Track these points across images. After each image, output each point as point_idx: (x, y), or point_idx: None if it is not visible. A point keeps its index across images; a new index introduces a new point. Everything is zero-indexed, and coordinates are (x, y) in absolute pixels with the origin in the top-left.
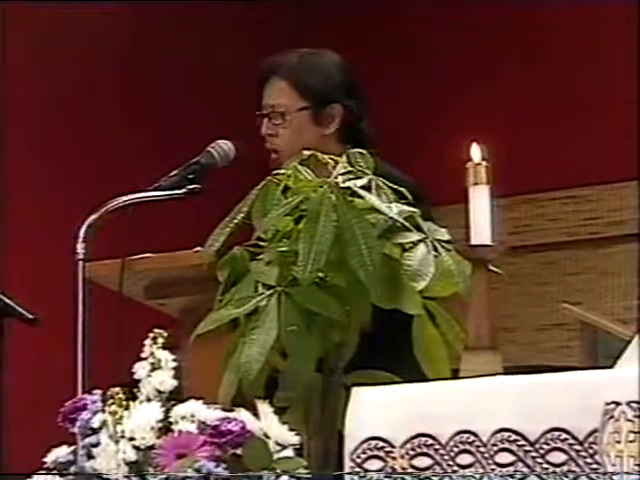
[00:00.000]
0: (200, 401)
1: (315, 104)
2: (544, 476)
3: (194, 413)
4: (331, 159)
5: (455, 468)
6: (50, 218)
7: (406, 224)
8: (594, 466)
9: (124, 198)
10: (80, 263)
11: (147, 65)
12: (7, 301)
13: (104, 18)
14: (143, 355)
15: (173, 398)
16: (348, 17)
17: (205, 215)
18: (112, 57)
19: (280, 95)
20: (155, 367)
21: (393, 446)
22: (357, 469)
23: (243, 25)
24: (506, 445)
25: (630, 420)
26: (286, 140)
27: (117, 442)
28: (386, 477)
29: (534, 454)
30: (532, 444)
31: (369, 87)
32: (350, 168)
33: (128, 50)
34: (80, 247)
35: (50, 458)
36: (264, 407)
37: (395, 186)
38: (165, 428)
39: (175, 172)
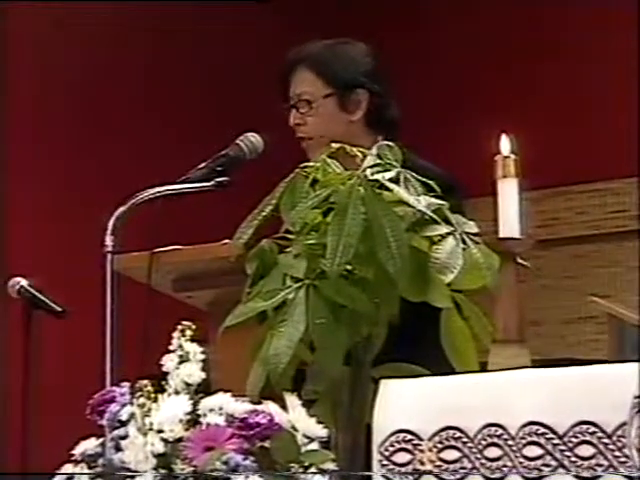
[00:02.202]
0: (228, 394)
1: (340, 90)
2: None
3: (222, 406)
4: (360, 151)
5: (483, 461)
6: (79, 210)
7: (434, 217)
8: (622, 459)
9: (152, 190)
10: (108, 255)
11: (156, 61)
12: (35, 293)
13: (110, 13)
14: (171, 348)
15: (201, 391)
16: (373, 11)
17: (233, 207)
18: (120, 54)
19: (305, 84)
20: (183, 360)
21: (421, 439)
22: (385, 462)
23: (258, 23)
24: (534, 438)
25: None
26: (314, 128)
27: (145, 435)
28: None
29: (562, 447)
30: (560, 437)
31: (398, 79)
32: (379, 160)
33: (137, 47)
34: (109, 239)
35: (78, 450)
36: (292, 400)
37: (424, 179)
38: (193, 421)
39: (203, 164)
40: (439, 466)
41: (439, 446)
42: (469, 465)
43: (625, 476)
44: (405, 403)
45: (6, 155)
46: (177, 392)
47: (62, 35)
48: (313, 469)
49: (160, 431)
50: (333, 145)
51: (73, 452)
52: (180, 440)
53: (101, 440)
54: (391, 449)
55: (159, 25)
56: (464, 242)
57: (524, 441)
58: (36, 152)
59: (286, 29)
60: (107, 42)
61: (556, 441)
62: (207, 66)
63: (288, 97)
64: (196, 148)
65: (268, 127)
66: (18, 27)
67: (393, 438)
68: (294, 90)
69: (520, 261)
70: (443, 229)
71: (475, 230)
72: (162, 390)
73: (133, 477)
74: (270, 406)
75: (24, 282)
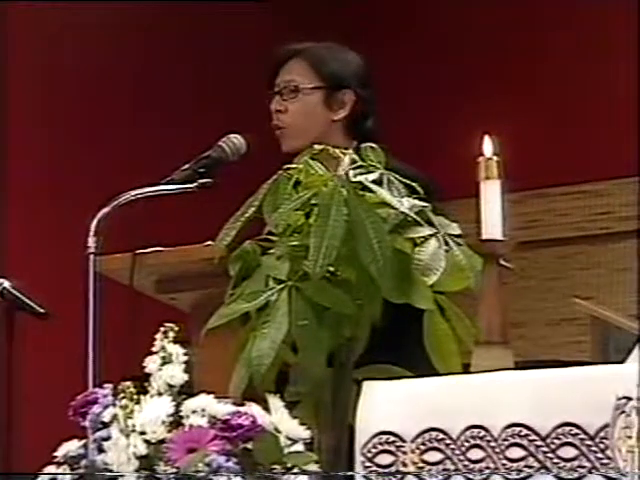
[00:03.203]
0: (211, 395)
1: (329, 86)
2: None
3: (205, 407)
4: (342, 153)
5: (466, 463)
6: (63, 212)
7: (417, 219)
8: (605, 461)
9: (135, 192)
10: (91, 257)
11: (154, 62)
12: (18, 295)
13: (106, 13)
14: (154, 349)
15: (184, 392)
16: (371, 11)
17: (216, 209)
18: (117, 54)
19: (297, 71)
20: (166, 361)
21: (404, 441)
22: (368, 463)
23: (258, 23)
24: (517, 440)
25: None
26: (294, 117)
27: (128, 436)
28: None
29: (545, 449)
30: (543, 439)
31: (381, 81)
32: (361, 162)
33: (135, 47)
34: (91, 241)
35: (61, 452)
36: (275, 401)
37: (407, 180)
38: (176, 422)
39: (186, 166)
40: (422, 468)
41: (422, 448)
42: (452, 467)
43: (607, 478)
44: (388, 405)
45: (5, 155)
46: (160, 393)
47: (58, 35)
48: (296, 470)
49: (143, 433)
50: (316, 147)
51: (56, 454)
52: (163, 442)
53: (84, 442)
54: (374, 451)
55: (157, 25)
56: (447, 244)
57: (507, 443)
58: (34, 152)
59: (285, 29)
60: (104, 42)
61: (539, 443)
62: (206, 66)
63: (274, 85)
64: (194, 149)
65: (267, 127)
66: (15, 28)
67: (376, 440)
68: (283, 77)
69: (503, 263)
70: (426, 231)
71: (458, 232)
72: (145, 392)
73: (116, 479)
74: (253, 407)
75: (7, 283)
